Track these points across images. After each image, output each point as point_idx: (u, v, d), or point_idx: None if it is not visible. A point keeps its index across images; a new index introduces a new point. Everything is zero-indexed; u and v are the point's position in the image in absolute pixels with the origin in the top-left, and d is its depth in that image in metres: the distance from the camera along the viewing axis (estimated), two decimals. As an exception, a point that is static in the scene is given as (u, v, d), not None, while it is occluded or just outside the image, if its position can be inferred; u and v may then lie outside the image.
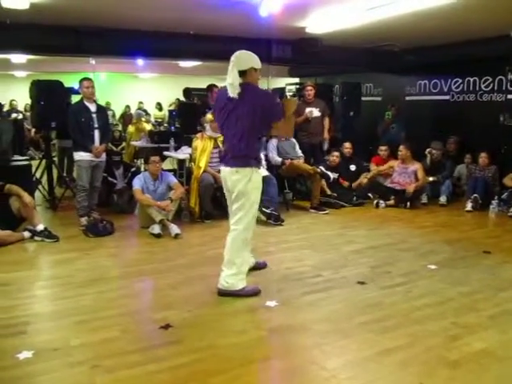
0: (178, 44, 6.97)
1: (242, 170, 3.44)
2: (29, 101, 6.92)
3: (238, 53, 3.47)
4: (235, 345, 2.85)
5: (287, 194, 6.83)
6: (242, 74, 3.38)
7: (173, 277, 4.00)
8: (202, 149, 5.77)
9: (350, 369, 2.64)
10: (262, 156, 6.44)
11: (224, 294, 3.53)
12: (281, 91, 12.80)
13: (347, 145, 7.49)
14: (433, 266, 4.30)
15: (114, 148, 8.65)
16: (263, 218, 5.75)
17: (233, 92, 3.38)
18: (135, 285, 3.90)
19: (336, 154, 7.23)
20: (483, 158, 7.02)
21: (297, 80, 12.00)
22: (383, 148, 7.66)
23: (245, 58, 3.46)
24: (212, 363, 2.65)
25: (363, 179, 7.30)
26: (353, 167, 7.42)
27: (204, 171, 5.71)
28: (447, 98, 8.67)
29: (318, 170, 6.55)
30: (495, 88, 7.87)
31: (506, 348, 2.86)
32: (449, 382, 2.50)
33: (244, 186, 3.44)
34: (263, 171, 6.10)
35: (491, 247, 4.90)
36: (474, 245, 5.01)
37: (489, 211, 6.49)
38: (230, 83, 3.38)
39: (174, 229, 5.17)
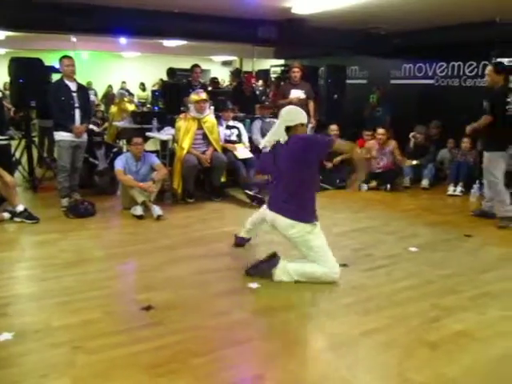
0: (161, 22, 6.83)
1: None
2: (8, 79, 6.75)
3: (287, 109, 3.66)
4: (218, 326, 2.86)
5: (271, 176, 6.80)
6: (288, 129, 3.51)
7: (155, 258, 3.98)
8: (186, 129, 5.71)
9: (334, 349, 2.66)
10: (246, 138, 6.42)
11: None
12: (265, 72, 12.78)
13: (333, 127, 7.46)
14: (414, 249, 4.34)
15: (96, 128, 8.50)
16: (247, 200, 5.77)
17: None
18: (117, 266, 3.87)
19: (321, 137, 7.22)
20: (466, 142, 7.06)
21: (282, 62, 11.91)
22: (368, 133, 7.66)
23: (294, 114, 3.59)
24: (195, 344, 2.65)
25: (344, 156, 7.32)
26: None
27: (187, 152, 5.65)
28: (432, 82, 8.69)
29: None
30: (479, 73, 7.89)
31: (483, 329, 2.92)
32: (427, 362, 2.55)
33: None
34: (246, 153, 6.11)
35: (472, 230, 4.97)
36: (455, 228, 5.08)
37: (470, 195, 6.57)
38: (277, 139, 3.56)
39: (157, 210, 5.13)
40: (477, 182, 6.59)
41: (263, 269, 3.53)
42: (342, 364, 2.52)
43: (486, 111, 5.15)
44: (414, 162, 7.27)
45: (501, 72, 5.14)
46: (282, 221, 3.48)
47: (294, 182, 3.47)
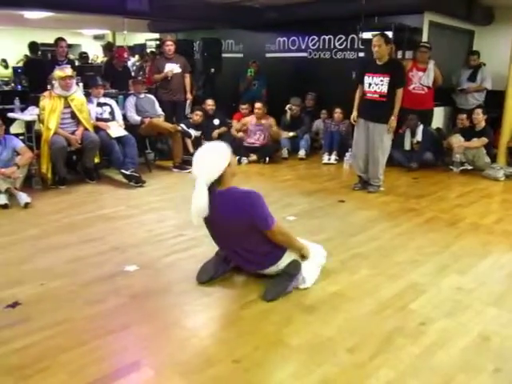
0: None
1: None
2: None
3: (200, 160, 2.80)
4: (92, 316, 2.70)
5: (148, 154, 6.59)
6: (217, 181, 2.83)
7: (22, 250, 3.65)
8: (51, 109, 5.29)
9: (211, 326, 2.65)
10: (120, 115, 6.13)
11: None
12: (141, 47, 12.30)
13: (209, 102, 7.40)
14: (292, 218, 4.46)
15: None
16: (124, 180, 5.55)
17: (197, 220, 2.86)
18: (-24, 263, 3.49)
19: (198, 112, 7.12)
20: (338, 113, 7.41)
21: (157, 36, 11.52)
22: (244, 106, 7.71)
23: (214, 162, 2.79)
24: (66, 338, 2.47)
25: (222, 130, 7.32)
26: (216, 121, 7.37)
27: (55, 133, 5.26)
28: (305, 55, 8.92)
29: (179, 128, 6.40)
30: (348, 46, 8.26)
31: (354, 288, 3.09)
32: (305, 325, 2.63)
33: None
34: (121, 131, 5.84)
35: (345, 196, 5.25)
36: (330, 195, 5.32)
37: (343, 163, 6.93)
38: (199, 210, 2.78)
39: (23, 197, 4.71)
40: (349, 150, 6.95)
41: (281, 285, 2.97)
42: (224, 339, 2.51)
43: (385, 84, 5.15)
44: (291, 134, 7.49)
45: (389, 42, 5.22)
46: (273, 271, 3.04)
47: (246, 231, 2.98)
